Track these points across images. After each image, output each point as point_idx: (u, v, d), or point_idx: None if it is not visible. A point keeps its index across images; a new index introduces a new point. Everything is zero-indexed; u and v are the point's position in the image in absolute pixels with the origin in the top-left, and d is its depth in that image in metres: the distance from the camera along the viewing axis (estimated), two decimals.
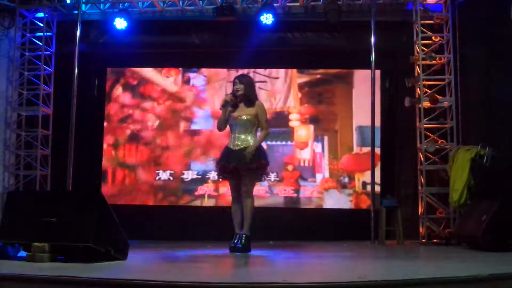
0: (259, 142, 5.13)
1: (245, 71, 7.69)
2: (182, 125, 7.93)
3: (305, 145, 7.73)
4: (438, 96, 6.68)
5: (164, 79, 8.01)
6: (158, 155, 7.87)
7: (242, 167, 5.00)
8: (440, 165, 6.62)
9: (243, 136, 5.12)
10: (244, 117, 5.12)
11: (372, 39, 6.83)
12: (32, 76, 7.37)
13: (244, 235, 4.99)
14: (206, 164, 7.67)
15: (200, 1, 7.19)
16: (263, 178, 5.32)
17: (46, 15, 7.37)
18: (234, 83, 5.24)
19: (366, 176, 7.34)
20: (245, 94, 5.15)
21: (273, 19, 6.95)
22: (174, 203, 7.76)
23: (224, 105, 5.15)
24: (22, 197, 4.25)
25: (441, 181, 6.58)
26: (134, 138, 7.94)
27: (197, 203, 7.71)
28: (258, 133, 5.23)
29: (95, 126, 7.93)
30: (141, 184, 7.84)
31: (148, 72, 8.06)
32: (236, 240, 5.01)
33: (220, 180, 5.42)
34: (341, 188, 7.57)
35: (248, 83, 5.22)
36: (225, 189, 7.36)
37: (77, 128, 7.00)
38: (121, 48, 7.64)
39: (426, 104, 6.70)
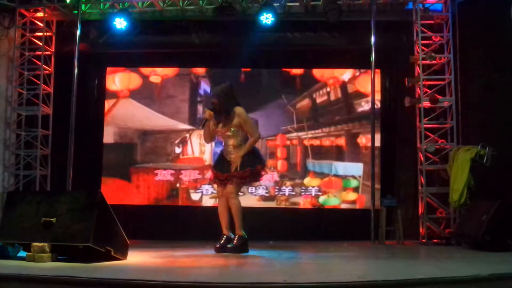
0: (245, 150, 4.94)
1: (245, 71, 7.76)
2: (182, 124, 7.94)
3: None
4: (438, 96, 6.68)
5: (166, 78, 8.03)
6: (159, 155, 7.87)
7: (233, 176, 4.93)
8: (440, 165, 6.62)
9: (232, 147, 5.02)
10: (228, 132, 5.00)
11: (372, 39, 6.83)
12: (32, 76, 7.37)
13: (237, 236, 4.94)
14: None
15: (200, 1, 7.19)
16: (257, 181, 5.24)
17: (46, 15, 7.37)
18: (211, 96, 5.12)
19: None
20: (221, 107, 4.96)
21: (273, 19, 6.95)
22: (174, 203, 7.75)
23: (204, 124, 5.04)
24: (22, 197, 4.24)
25: (441, 181, 6.58)
26: (135, 137, 7.94)
27: (197, 203, 7.71)
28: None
29: (95, 126, 7.93)
30: (141, 184, 7.83)
31: (149, 71, 8.08)
32: (222, 241, 4.95)
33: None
34: None
35: (223, 94, 4.96)
36: None
37: (77, 128, 7.00)
38: (121, 48, 7.63)
39: (426, 104, 6.70)
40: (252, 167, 4.94)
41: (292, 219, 7.38)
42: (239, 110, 4.97)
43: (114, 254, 3.87)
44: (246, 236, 4.97)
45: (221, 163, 5.09)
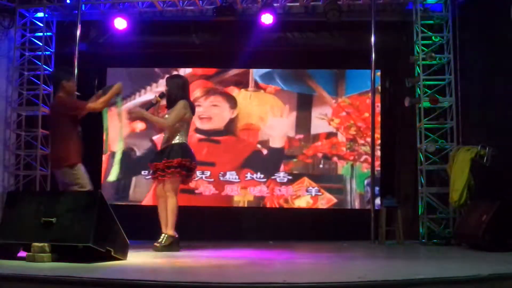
0: (149, 117, 5.21)
1: (245, 71, 7.76)
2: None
3: None
4: (438, 96, 6.68)
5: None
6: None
7: (158, 165, 5.10)
8: (440, 165, 6.62)
9: (166, 136, 5.24)
10: (165, 116, 5.22)
11: (372, 39, 6.82)
12: (32, 76, 7.37)
13: (166, 235, 5.03)
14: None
15: (200, 1, 7.20)
16: (187, 178, 5.23)
17: (46, 15, 7.37)
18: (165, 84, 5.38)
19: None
20: (169, 96, 5.25)
21: (273, 19, 6.94)
22: None
23: (148, 108, 5.29)
24: (22, 197, 4.24)
25: (441, 181, 6.58)
26: (135, 137, 7.95)
27: (197, 203, 7.70)
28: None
29: (94, 126, 7.90)
30: (140, 184, 7.83)
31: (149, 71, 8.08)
32: (160, 240, 5.05)
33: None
34: None
35: (174, 85, 5.28)
36: (228, 188, 7.38)
37: None
38: (121, 48, 7.63)
39: (426, 104, 6.70)
40: (182, 157, 5.04)
41: (292, 219, 7.37)
42: (180, 101, 5.18)
43: (114, 254, 3.87)
44: (177, 236, 5.07)
45: (155, 154, 5.31)
